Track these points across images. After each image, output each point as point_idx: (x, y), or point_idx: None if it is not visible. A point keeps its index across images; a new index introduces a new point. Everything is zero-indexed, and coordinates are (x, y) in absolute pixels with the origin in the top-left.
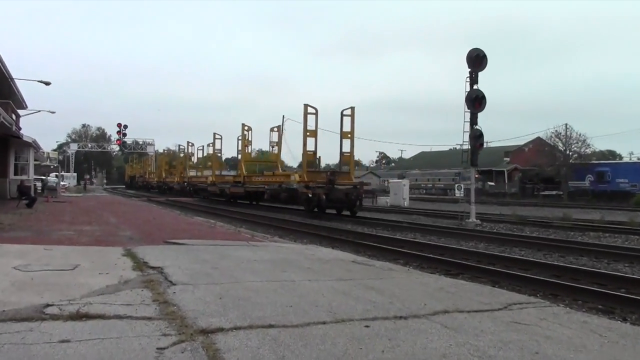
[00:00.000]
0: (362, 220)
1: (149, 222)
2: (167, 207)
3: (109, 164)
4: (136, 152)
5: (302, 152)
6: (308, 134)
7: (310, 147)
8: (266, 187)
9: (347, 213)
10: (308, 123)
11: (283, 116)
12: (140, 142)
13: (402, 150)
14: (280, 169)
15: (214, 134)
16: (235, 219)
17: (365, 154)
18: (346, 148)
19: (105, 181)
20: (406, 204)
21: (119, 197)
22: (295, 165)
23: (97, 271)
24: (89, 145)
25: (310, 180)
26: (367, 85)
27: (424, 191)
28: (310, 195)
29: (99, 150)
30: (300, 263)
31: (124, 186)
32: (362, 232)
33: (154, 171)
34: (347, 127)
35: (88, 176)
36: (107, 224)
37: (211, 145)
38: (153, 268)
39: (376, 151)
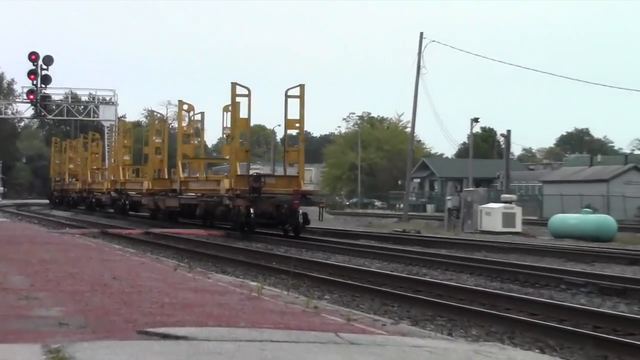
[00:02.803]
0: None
1: (105, 285)
2: (148, 248)
3: (9, 149)
4: (73, 119)
5: (230, 148)
6: (238, 123)
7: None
8: (199, 197)
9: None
10: (240, 110)
11: (421, 34)
12: (85, 99)
13: None
14: (237, 168)
15: (151, 112)
16: (304, 277)
17: (624, 129)
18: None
19: (1, 188)
20: None
21: (34, 225)
22: (451, 154)
23: None
24: None
25: (238, 187)
26: None
27: None
28: (240, 209)
29: None
30: None
31: (48, 201)
32: (612, 313)
33: (76, 170)
34: (294, 114)
35: None
36: (4, 290)
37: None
38: None
39: None
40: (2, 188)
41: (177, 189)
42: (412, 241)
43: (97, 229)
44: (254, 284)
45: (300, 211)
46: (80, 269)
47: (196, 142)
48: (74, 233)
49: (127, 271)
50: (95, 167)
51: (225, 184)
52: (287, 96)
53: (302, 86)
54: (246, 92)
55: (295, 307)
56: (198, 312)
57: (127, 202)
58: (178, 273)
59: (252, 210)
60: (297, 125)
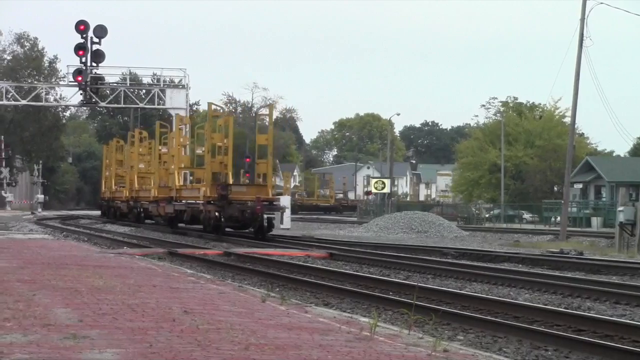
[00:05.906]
0: None
1: (174, 321)
2: (229, 273)
3: (52, 146)
4: (132, 107)
5: (206, 160)
6: (212, 139)
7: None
8: (186, 204)
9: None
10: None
11: None
12: (148, 82)
13: None
14: (207, 176)
15: (158, 124)
16: (430, 312)
17: None
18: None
19: (41, 196)
20: None
21: (83, 243)
22: (624, 151)
23: None
24: None
25: (211, 195)
26: None
27: None
28: (211, 213)
29: (24, 103)
30: None
31: (99, 212)
32: None
33: (109, 175)
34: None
35: None
36: (46, 326)
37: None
38: None
39: None
40: (42, 196)
41: (173, 197)
42: (572, 265)
43: (163, 249)
44: (365, 320)
45: (265, 216)
46: (142, 299)
47: (200, 151)
48: (133, 253)
49: (201, 303)
50: (117, 171)
51: (203, 192)
52: (256, 115)
53: (270, 106)
54: (220, 110)
55: (418, 351)
56: (293, 357)
57: (140, 210)
58: (267, 305)
59: (215, 214)
60: (266, 140)
